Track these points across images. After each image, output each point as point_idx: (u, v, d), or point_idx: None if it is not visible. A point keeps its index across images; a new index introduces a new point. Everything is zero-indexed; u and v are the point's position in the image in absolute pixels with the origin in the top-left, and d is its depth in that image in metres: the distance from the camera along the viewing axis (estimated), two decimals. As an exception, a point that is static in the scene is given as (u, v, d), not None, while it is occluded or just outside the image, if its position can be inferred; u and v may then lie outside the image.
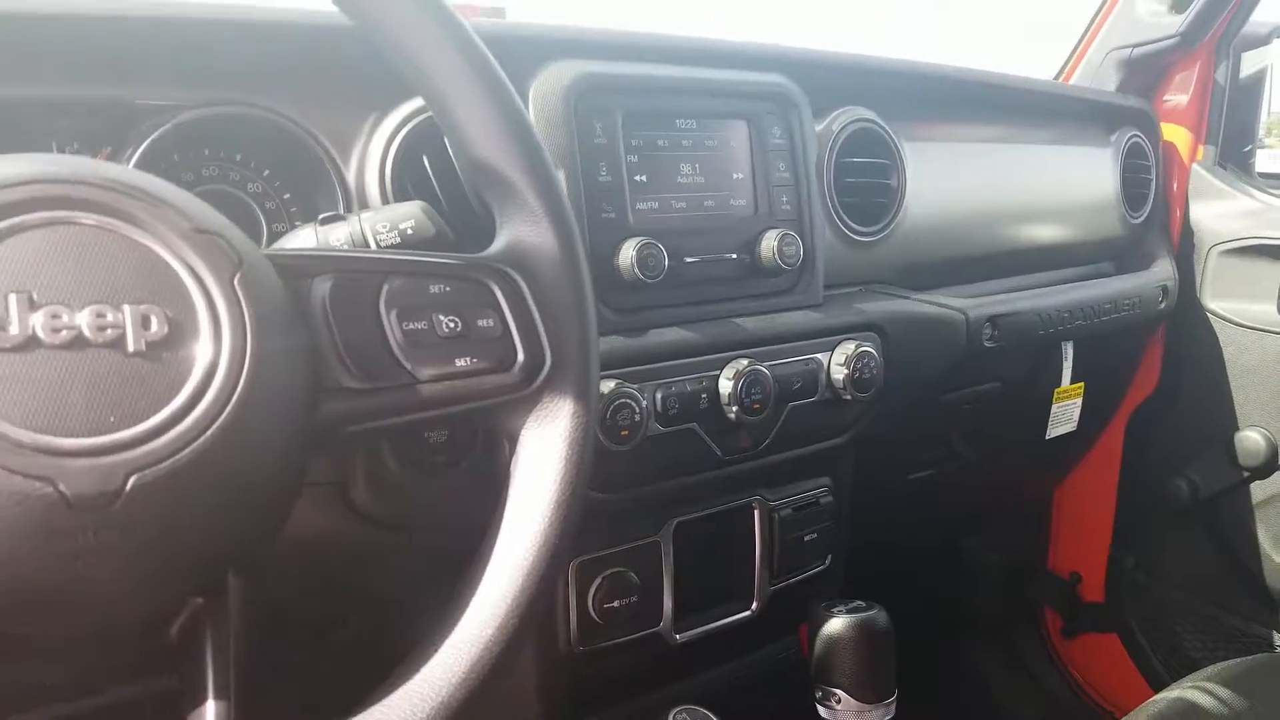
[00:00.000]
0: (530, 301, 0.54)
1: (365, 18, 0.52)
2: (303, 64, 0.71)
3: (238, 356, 0.42)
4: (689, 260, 0.84)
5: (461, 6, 0.55)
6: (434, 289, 0.51)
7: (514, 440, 0.54)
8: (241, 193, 0.73)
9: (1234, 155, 1.46)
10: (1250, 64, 1.47)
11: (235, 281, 0.44)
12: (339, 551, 0.73)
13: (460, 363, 0.51)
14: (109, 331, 0.40)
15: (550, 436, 0.53)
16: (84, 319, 0.40)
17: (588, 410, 0.54)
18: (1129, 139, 1.35)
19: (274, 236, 0.73)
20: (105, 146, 0.68)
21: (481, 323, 0.52)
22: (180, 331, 0.42)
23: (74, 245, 0.41)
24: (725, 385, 0.83)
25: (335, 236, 0.61)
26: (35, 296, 0.39)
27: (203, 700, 0.43)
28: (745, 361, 0.84)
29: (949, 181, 1.12)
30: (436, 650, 0.47)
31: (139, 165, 0.66)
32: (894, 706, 0.88)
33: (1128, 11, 1.41)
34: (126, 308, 0.41)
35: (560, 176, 0.57)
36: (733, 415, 0.83)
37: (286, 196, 0.75)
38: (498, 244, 0.55)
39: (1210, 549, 1.49)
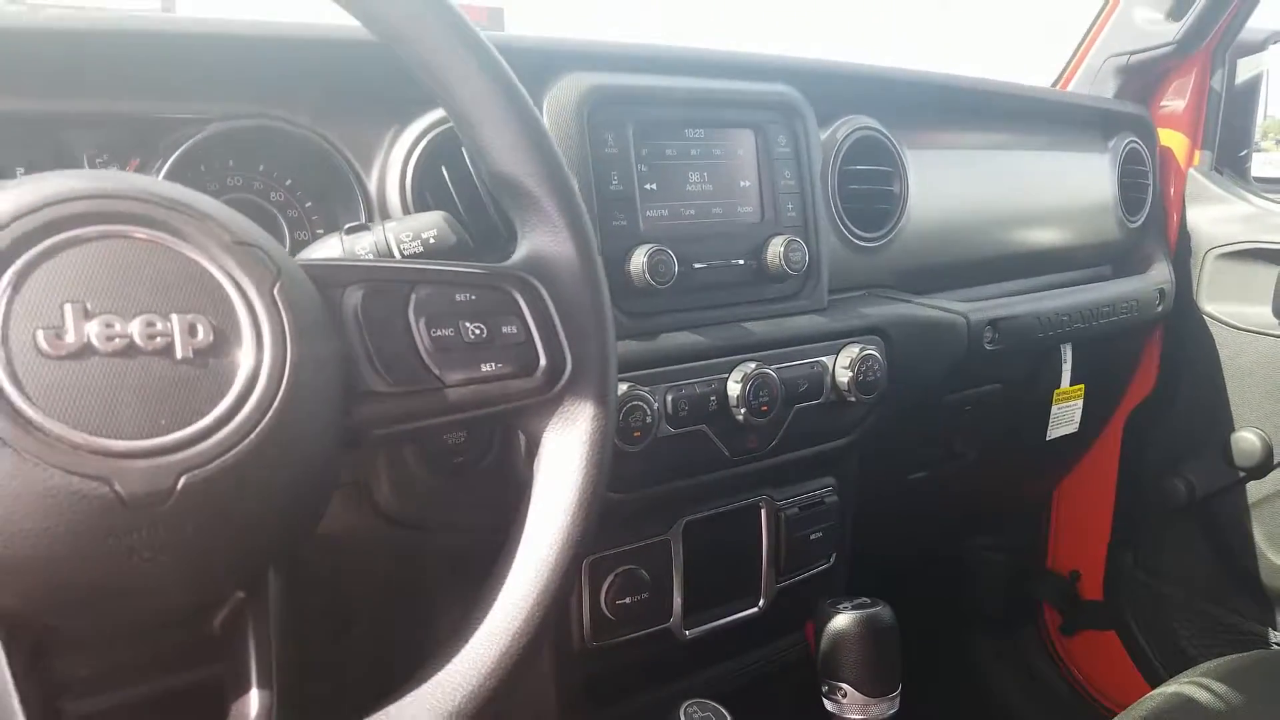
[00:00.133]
0: (551, 309, 0.56)
1: (391, 36, 0.54)
2: (326, 78, 0.73)
3: (278, 363, 0.45)
4: (698, 266, 0.86)
5: (461, 6, 0.57)
6: (460, 297, 0.54)
7: (536, 442, 0.56)
8: (265, 202, 0.75)
9: (1230, 160, 1.48)
10: (1246, 70, 1.49)
11: (275, 291, 0.46)
12: (361, 549, 0.75)
13: (485, 368, 0.53)
14: (158, 339, 0.42)
15: (571, 438, 0.55)
16: (135, 328, 0.42)
17: (607, 413, 0.56)
18: (1126, 144, 1.38)
19: (296, 244, 0.75)
20: (134, 158, 0.70)
21: (505, 329, 0.54)
22: (224, 339, 0.44)
23: (124, 257, 0.43)
24: (734, 388, 0.85)
25: (361, 245, 0.63)
26: (89, 306, 0.42)
27: (247, 689, 0.45)
28: (753, 365, 0.86)
29: (950, 187, 1.14)
30: (467, 641, 0.49)
31: (168, 176, 0.68)
32: (898, 700, 0.90)
33: (1125, 19, 1.43)
34: (174, 316, 0.43)
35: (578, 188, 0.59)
36: (741, 417, 0.86)
37: (308, 205, 0.77)
38: (519, 253, 0.57)
39: (1207, 548, 1.52)
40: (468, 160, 0.75)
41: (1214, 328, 1.42)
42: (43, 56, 0.64)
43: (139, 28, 0.67)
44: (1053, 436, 1.38)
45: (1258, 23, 1.45)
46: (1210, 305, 1.43)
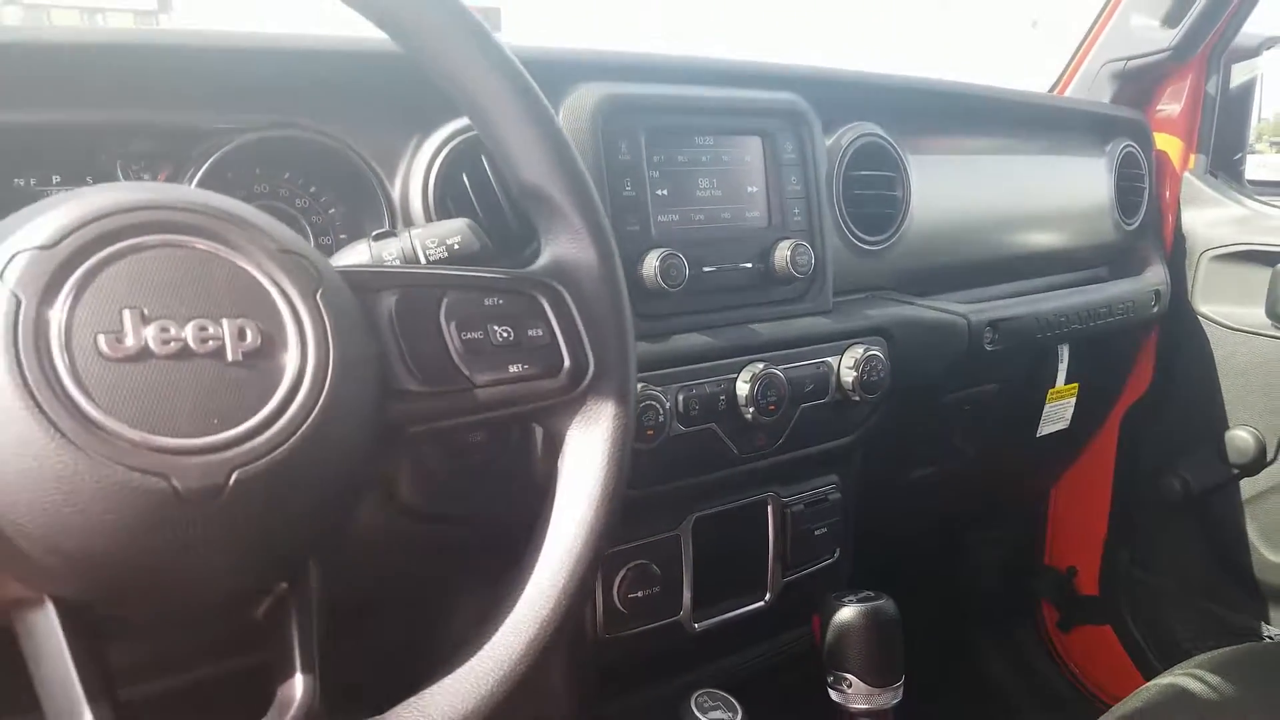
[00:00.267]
0: (575, 312, 0.58)
1: (420, 50, 0.57)
2: (352, 90, 0.76)
3: (322, 365, 0.47)
4: (707, 269, 0.88)
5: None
6: (488, 301, 0.56)
7: (560, 439, 0.58)
8: (290, 208, 0.78)
9: (1225, 164, 1.51)
10: (1240, 75, 1.52)
11: (318, 296, 0.48)
12: (382, 542, 0.78)
13: (513, 369, 0.56)
14: (210, 343, 0.45)
15: (594, 436, 0.57)
16: (189, 332, 0.44)
17: (627, 411, 0.58)
18: (1123, 149, 1.40)
19: (320, 249, 0.77)
20: (164, 167, 0.73)
21: (531, 332, 0.57)
22: (271, 342, 0.47)
23: (177, 265, 0.46)
24: (742, 388, 0.88)
25: (388, 251, 0.66)
26: (146, 312, 0.44)
27: (291, 674, 0.48)
28: (761, 365, 0.89)
29: (951, 191, 1.17)
30: (498, 628, 0.52)
31: (200, 184, 0.71)
32: (901, 690, 0.93)
33: (1122, 26, 1.46)
34: (225, 321, 0.46)
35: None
36: (749, 416, 0.88)
37: (331, 212, 0.79)
38: (543, 259, 0.60)
39: (1201, 544, 1.54)
40: (487, 169, 0.78)
41: (1209, 328, 1.45)
42: (77, 70, 0.66)
43: (170, 42, 0.70)
44: (1043, 433, 1.40)
45: (1251, 28, 1.47)
46: (1205, 306, 1.45)
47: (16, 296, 0.42)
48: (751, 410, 0.88)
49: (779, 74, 0.98)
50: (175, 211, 0.47)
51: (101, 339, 0.43)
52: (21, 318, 0.42)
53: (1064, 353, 1.33)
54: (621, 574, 0.89)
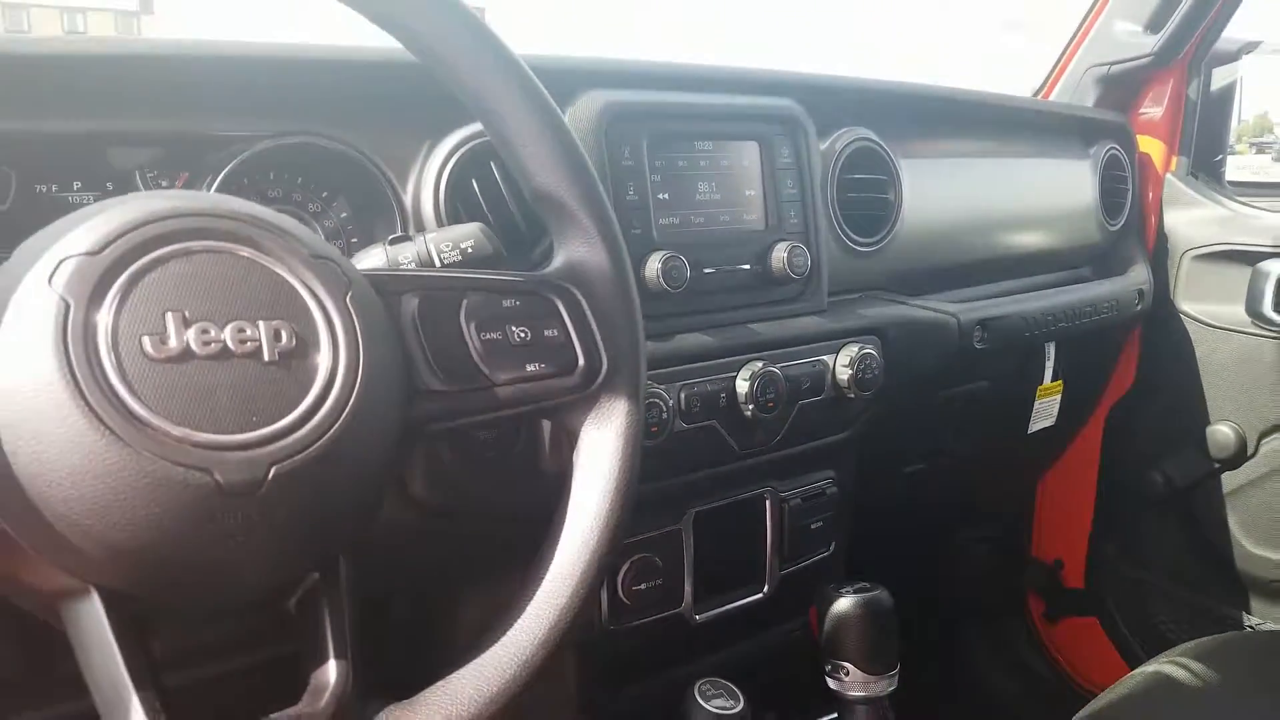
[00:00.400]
0: (588, 313, 0.61)
1: (437, 61, 0.59)
2: (364, 98, 0.78)
3: (353, 364, 0.49)
4: (707, 271, 0.91)
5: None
6: (506, 303, 0.58)
7: (574, 435, 0.61)
8: (303, 213, 0.80)
9: (1206, 165, 1.54)
10: (1220, 79, 1.55)
11: (348, 300, 0.51)
12: (395, 536, 0.80)
13: (530, 368, 0.58)
14: (248, 344, 0.47)
15: (608, 432, 0.60)
16: (228, 333, 0.47)
17: (639, 408, 0.61)
18: (1107, 151, 1.44)
19: None
20: (182, 174, 0.75)
21: (548, 332, 0.59)
22: (305, 343, 0.49)
23: (215, 270, 0.48)
24: (742, 385, 0.91)
25: (404, 255, 0.68)
26: (188, 314, 0.46)
27: (324, 661, 0.50)
28: (760, 364, 0.92)
29: (941, 194, 1.19)
30: (519, 616, 0.54)
31: (218, 191, 0.73)
32: (897, 678, 0.95)
33: (1105, 31, 1.49)
34: (261, 323, 0.48)
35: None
36: (749, 413, 0.91)
37: (343, 216, 0.82)
38: (557, 262, 0.62)
39: (1184, 536, 1.58)
40: (496, 174, 0.80)
41: (1190, 326, 1.48)
42: (97, 80, 0.68)
43: (187, 53, 0.72)
44: (1034, 430, 1.44)
45: (1232, 33, 1.51)
46: (1187, 305, 1.49)
47: (65, 301, 0.44)
48: (751, 407, 0.91)
49: (775, 80, 1.01)
50: (213, 219, 0.49)
51: (146, 341, 0.45)
52: (71, 321, 0.44)
53: (1050, 351, 1.37)
54: (625, 567, 0.91)
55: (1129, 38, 1.46)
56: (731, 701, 0.88)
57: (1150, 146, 1.53)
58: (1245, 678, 1.00)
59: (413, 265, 0.67)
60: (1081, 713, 0.96)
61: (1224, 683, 0.99)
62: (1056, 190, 1.39)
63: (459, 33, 0.58)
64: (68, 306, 0.44)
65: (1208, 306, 1.47)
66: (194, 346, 0.46)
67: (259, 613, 0.53)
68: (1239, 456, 1.46)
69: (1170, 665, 1.03)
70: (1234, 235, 1.44)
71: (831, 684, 0.95)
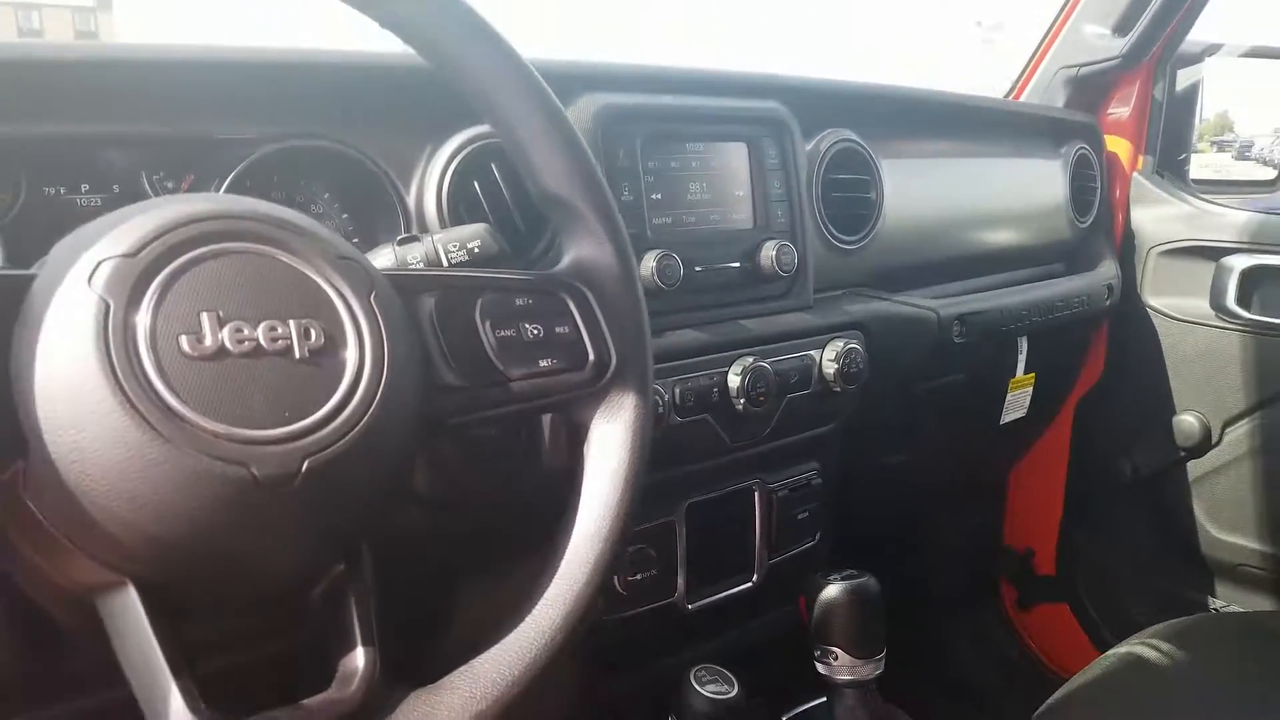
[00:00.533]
0: (597, 310, 0.63)
1: (446, 65, 0.61)
2: (368, 101, 0.80)
3: (378, 361, 0.51)
4: (698, 269, 0.93)
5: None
6: (519, 301, 0.60)
7: (584, 429, 0.63)
8: (306, 214, 0.81)
9: (1171, 164, 1.58)
10: (1185, 80, 1.60)
11: (372, 299, 0.52)
12: (399, 529, 0.81)
13: (543, 363, 0.60)
14: (280, 342, 0.49)
15: (618, 425, 0.62)
16: (260, 332, 0.48)
17: (647, 401, 0.63)
18: (1076, 151, 1.48)
19: None
20: (188, 176, 0.76)
21: (559, 329, 0.61)
22: (333, 341, 0.50)
23: (246, 271, 0.50)
24: (733, 380, 0.93)
25: (412, 255, 0.70)
26: (222, 314, 0.48)
27: (352, 648, 0.52)
28: (750, 359, 0.94)
29: (920, 193, 1.23)
30: (538, 602, 0.57)
31: (226, 192, 0.74)
32: (883, 662, 0.99)
33: (1075, 34, 1.53)
34: (291, 322, 0.49)
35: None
36: (740, 407, 0.94)
37: (345, 217, 0.83)
38: (566, 261, 0.64)
39: (1152, 523, 1.62)
40: (497, 176, 0.82)
41: (1156, 320, 1.53)
42: (104, 84, 0.69)
43: (193, 58, 0.73)
44: (1005, 421, 1.48)
45: (1196, 36, 1.55)
46: (1153, 299, 1.53)
47: (105, 301, 0.46)
48: (742, 401, 0.93)
49: (762, 83, 1.04)
50: (243, 221, 0.51)
51: (183, 339, 0.46)
52: (111, 321, 0.45)
53: (1023, 344, 1.41)
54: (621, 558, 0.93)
55: (1097, 40, 1.50)
56: (726, 687, 0.91)
57: (1118, 146, 1.57)
58: (1211, 659, 1.04)
59: (421, 265, 0.69)
60: (1055, 695, 1.00)
61: (1191, 663, 1.03)
62: (1029, 189, 1.43)
63: (470, 38, 0.60)
64: (108, 307, 0.45)
65: (1173, 300, 1.51)
66: (228, 345, 0.47)
67: (287, 603, 0.55)
68: (1204, 445, 1.51)
69: (1139, 647, 1.06)
70: (1198, 231, 1.48)
71: (820, 669, 0.98)
